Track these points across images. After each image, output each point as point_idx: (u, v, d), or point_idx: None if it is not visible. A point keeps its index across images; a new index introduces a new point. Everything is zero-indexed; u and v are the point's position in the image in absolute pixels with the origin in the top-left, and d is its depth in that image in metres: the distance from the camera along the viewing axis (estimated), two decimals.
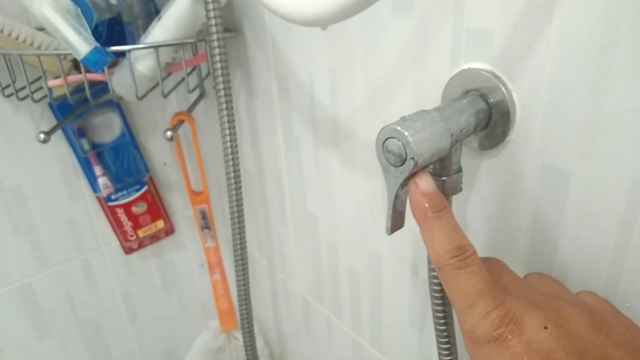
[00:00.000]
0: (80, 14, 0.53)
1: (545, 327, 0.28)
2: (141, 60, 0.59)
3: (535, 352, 0.27)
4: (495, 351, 0.28)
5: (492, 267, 0.33)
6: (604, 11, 0.29)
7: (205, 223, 0.84)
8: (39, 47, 0.61)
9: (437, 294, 0.38)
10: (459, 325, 0.31)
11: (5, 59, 0.63)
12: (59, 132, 0.76)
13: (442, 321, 0.39)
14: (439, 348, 0.40)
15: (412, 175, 0.32)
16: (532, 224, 0.38)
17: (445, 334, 0.40)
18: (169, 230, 0.93)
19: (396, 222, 0.35)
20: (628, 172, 0.31)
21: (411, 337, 0.56)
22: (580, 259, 0.36)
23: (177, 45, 0.59)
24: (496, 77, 0.36)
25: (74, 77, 0.62)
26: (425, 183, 0.32)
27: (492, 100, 0.36)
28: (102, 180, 0.79)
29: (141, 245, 0.91)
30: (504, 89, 0.36)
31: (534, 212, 0.37)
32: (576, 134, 0.33)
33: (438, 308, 0.39)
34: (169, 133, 0.63)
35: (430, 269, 0.38)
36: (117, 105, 0.79)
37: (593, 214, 0.34)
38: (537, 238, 0.38)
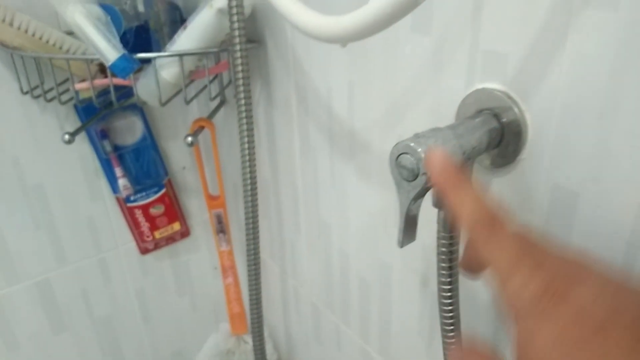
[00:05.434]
0: (110, 21, 0.55)
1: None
2: (166, 67, 0.60)
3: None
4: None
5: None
6: (616, 37, 0.30)
7: (221, 227, 0.86)
8: (67, 51, 0.63)
9: (446, 307, 0.39)
10: (500, 294, 0.28)
11: (35, 61, 0.65)
12: (82, 133, 0.78)
13: (450, 334, 0.40)
14: None
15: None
16: None
17: (453, 347, 0.40)
18: (185, 233, 0.95)
19: (408, 235, 0.36)
20: (635, 196, 0.32)
21: (419, 348, 0.57)
22: None
23: (201, 54, 0.61)
24: (509, 97, 0.37)
25: (101, 81, 0.64)
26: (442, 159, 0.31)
27: (504, 119, 0.37)
28: (122, 182, 0.81)
29: (157, 246, 0.92)
30: (516, 109, 0.37)
31: (542, 230, 0.38)
32: (586, 156, 0.34)
33: (447, 321, 0.39)
34: (189, 139, 0.65)
35: (440, 282, 0.39)
36: (139, 109, 0.81)
37: (600, 235, 0.34)
38: None
